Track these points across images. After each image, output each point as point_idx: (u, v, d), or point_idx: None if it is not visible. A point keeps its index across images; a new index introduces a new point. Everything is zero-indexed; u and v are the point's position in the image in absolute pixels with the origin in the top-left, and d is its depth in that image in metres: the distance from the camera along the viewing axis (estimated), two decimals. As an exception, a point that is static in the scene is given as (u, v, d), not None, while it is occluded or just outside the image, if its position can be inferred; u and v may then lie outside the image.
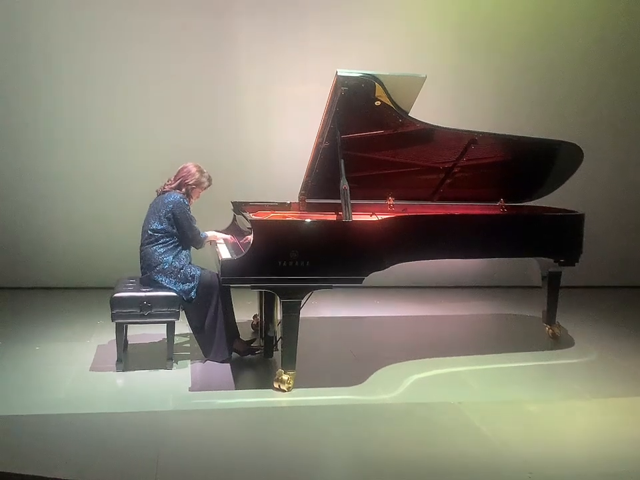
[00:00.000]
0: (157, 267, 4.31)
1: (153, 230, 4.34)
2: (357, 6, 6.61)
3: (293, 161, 5.56)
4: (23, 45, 6.26)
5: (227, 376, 4.22)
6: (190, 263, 4.42)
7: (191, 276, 4.31)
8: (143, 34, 6.38)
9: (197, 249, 4.51)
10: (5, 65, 6.27)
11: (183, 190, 4.41)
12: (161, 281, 4.29)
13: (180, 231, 4.35)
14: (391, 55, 6.50)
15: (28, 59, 6.29)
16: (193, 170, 4.43)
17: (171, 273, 4.30)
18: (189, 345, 4.79)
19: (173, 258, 4.33)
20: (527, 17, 6.87)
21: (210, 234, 4.55)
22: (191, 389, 4.01)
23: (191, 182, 4.41)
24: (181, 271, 4.30)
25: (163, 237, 4.33)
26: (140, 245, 4.41)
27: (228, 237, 4.64)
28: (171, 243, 4.35)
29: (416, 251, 4.42)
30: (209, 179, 4.50)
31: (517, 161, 5.03)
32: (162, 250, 4.32)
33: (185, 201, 4.37)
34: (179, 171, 4.46)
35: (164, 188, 4.45)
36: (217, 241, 4.60)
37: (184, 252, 4.41)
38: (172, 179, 4.46)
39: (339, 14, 6.58)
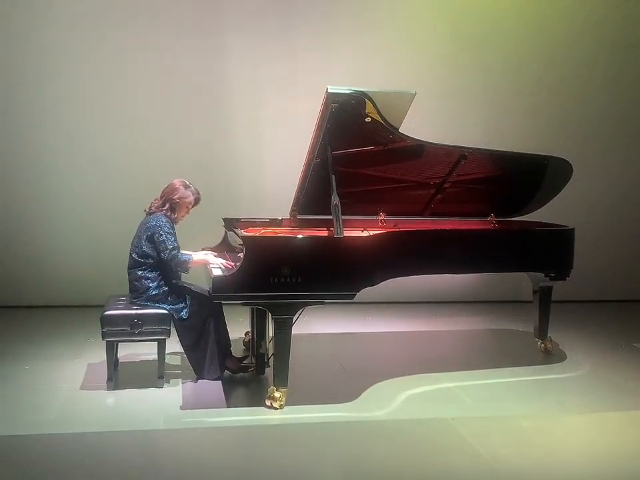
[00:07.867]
0: (144, 293, 4.25)
1: (137, 254, 4.28)
2: (347, 22, 6.66)
3: (284, 176, 5.56)
4: (20, 59, 6.28)
5: (218, 394, 4.18)
6: (181, 281, 4.38)
7: (182, 295, 4.27)
8: (135, 52, 6.40)
9: (184, 272, 4.34)
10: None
11: (167, 206, 4.31)
12: (151, 305, 4.24)
13: (157, 253, 4.23)
14: (381, 71, 6.53)
15: (24, 76, 6.30)
16: (177, 185, 4.35)
17: (159, 299, 4.25)
18: (180, 363, 4.75)
19: (160, 282, 4.27)
20: (516, 32, 6.94)
21: (197, 257, 4.31)
22: (182, 408, 3.97)
23: (175, 197, 4.32)
24: (172, 293, 4.26)
25: (147, 261, 4.26)
26: (127, 267, 4.35)
27: (223, 261, 4.25)
28: (157, 267, 4.27)
29: (407, 267, 4.42)
30: (196, 193, 4.39)
31: (506, 176, 5.06)
32: (149, 275, 4.26)
33: (167, 222, 4.25)
34: (164, 189, 4.40)
35: (150, 207, 4.39)
36: (211, 266, 4.27)
37: (172, 273, 4.34)
38: (158, 198, 4.40)
39: (329, 30, 6.63)
